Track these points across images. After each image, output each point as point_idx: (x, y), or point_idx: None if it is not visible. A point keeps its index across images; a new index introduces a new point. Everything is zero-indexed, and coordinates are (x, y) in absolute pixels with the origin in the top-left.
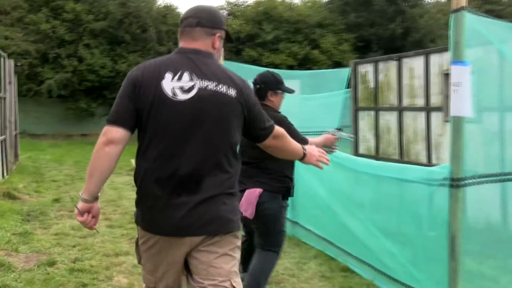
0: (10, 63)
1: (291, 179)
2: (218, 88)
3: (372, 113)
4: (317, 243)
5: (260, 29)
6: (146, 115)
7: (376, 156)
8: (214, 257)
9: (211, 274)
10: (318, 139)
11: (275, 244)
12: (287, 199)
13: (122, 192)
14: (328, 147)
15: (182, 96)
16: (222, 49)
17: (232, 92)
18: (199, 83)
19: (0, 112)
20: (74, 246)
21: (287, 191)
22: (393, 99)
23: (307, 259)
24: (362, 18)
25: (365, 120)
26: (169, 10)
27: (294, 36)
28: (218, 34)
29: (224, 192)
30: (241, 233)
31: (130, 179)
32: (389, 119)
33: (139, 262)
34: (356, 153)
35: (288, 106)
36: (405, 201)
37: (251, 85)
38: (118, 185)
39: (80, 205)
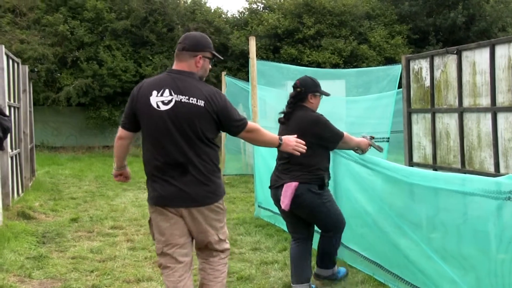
0: (24, 69)
1: (324, 171)
2: (189, 100)
3: (428, 115)
4: (365, 266)
5: (300, 23)
6: (141, 121)
7: (433, 166)
8: (204, 225)
9: (203, 236)
10: (356, 138)
11: (330, 226)
12: (324, 189)
13: (146, 210)
14: (362, 149)
15: (163, 107)
16: (209, 66)
17: (201, 102)
18: (176, 97)
19: (14, 123)
20: (92, 271)
21: (322, 181)
22: (452, 99)
23: (354, 284)
24: (417, 6)
25: (420, 124)
26: (197, 5)
27: (339, 30)
28: (199, 56)
29: (204, 175)
30: (220, 202)
31: None
32: (448, 122)
33: (153, 238)
34: (410, 162)
35: (333, 108)
36: (468, 217)
37: (287, 89)
38: (142, 202)
39: (114, 171)
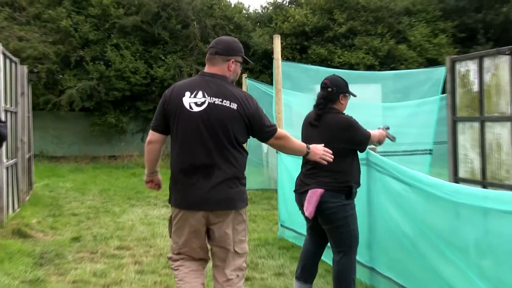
0: (23, 70)
1: (353, 179)
2: (223, 103)
3: (476, 124)
4: None
5: (331, 20)
6: (172, 122)
7: (482, 182)
8: (225, 229)
9: (221, 241)
10: (376, 132)
11: (344, 244)
12: (351, 199)
13: (156, 228)
14: (379, 141)
15: (196, 109)
16: (240, 70)
17: (234, 105)
18: (209, 99)
19: (11, 130)
20: None
21: (349, 190)
22: (504, 106)
23: None
24: (465, 0)
25: (467, 134)
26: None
27: (375, 27)
28: (232, 60)
29: (231, 179)
30: (244, 211)
31: (167, 211)
32: (499, 132)
33: (170, 236)
34: (455, 177)
35: (367, 116)
36: None
37: (317, 89)
38: (152, 219)
39: (145, 177)
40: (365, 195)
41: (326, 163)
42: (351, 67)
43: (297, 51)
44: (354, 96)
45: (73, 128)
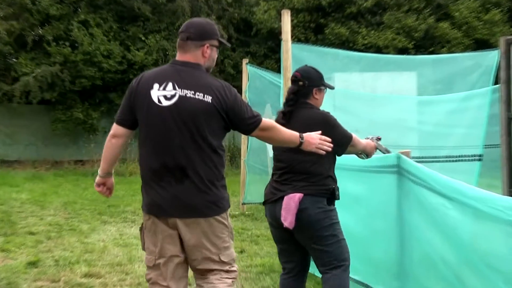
0: None
1: (334, 180)
2: (195, 96)
3: None
4: None
5: None
6: (139, 117)
7: None
8: (201, 237)
9: (194, 253)
10: (363, 141)
11: (336, 256)
12: (333, 204)
13: (134, 251)
14: (367, 153)
15: (165, 102)
16: (216, 55)
17: (208, 98)
18: (180, 92)
19: None
20: None
21: (331, 194)
22: None
23: None
24: None
25: None
26: None
27: (409, 1)
28: (206, 45)
29: (206, 182)
30: (226, 214)
31: None
32: None
33: (143, 248)
34: (511, 189)
35: (399, 112)
36: None
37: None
38: (129, 239)
39: (97, 179)
40: (395, 211)
41: (324, 152)
42: (379, 50)
43: (311, 31)
44: (331, 88)
45: (30, 126)
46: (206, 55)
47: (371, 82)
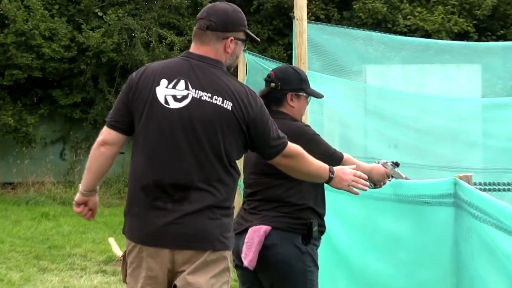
0: None
1: (317, 214)
2: (212, 100)
3: None
4: None
5: None
6: (138, 120)
7: None
8: (196, 278)
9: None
10: (367, 165)
11: None
12: (312, 243)
13: None
14: (373, 182)
15: (173, 105)
16: (241, 51)
17: (228, 104)
18: (193, 93)
19: None
20: None
21: (307, 230)
22: None
23: None
24: None
25: None
26: None
27: None
28: (231, 38)
29: (212, 208)
30: (230, 255)
31: (104, 280)
32: None
33: (124, 280)
34: None
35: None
36: None
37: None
38: None
39: (77, 197)
40: (450, 257)
41: (358, 192)
42: (427, 34)
43: (334, 6)
44: (318, 96)
45: None
46: (229, 50)
47: (417, 78)
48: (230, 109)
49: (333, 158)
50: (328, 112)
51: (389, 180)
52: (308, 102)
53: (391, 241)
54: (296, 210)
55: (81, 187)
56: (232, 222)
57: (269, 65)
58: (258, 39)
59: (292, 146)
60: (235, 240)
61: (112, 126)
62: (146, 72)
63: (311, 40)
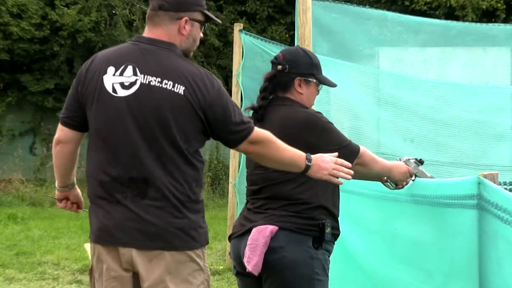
0: None
1: (331, 214)
2: (162, 85)
3: None
4: None
5: None
6: (89, 113)
7: None
8: (163, 275)
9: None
10: (387, 162)
11: None
12: (323, 248)
13: None
14: (395, 181)
15: (121, 93)
16: (199, 34)
17: (180, 88)
18: (141, 79)
19: None
20: None
21: (319, 232)
22: None
23: None
24: None
25: None
26: None
27: None
28: (185, 18)
29: (174, 202)
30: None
31: None
32: None
33: None
34: None
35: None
36: None
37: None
38: None
39: (56, 193)
40: (473, 262)
41: (341, 182)
42: (450, 13)
43: None
44: (331, 85)
45: None
46: (184, 32)
47: (437, 62)
48: (182, 93)
49: (349, 150)
50: (336, 101)
51: (412, 180)
52: (319, 91)
53: (410, 247)
54: (307, 209)
55: (56, 184)
56: (201, 218)
57: (269, 48)
58: (219, 21)
59: (260, 131)
60: (236, 242)
61: (64, 123)
62: (94, 62)
63: (317, 19)
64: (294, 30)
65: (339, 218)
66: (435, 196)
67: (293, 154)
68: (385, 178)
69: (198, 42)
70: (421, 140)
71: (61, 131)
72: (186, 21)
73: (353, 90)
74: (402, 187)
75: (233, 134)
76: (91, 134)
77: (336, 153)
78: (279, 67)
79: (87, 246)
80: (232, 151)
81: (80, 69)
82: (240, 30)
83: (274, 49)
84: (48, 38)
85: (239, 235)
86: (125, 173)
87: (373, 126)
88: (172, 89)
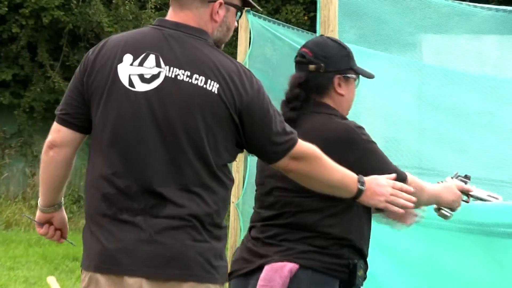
0: None
1: (360, 253)
2: (192, 80)
3: None
4: None
5: None
6: (96, 109)
7: None
8: None
9: None
10: (437, 186)
11: None
12: None
13: None
14: (451, 207)
15: (140, 87)
16: (234, 22)
17: (213, 86)
18: (166, 71)
19: None
20: None
21: (349, 274)
22: None
23: None
24: None
25: None
26: None
27: None
28: (220, 0)
29: (197, 222)
30: None
31: None
32: None
33: None
34: None
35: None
36: None
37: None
38: None
39: (38, 215)
40: None
41: (402, 211)
42: None
43: None
44: (370, 77)
45: None
46: (218, 18)
47: (495, 54)
48: (216, 91)
49: (392, 168)
50: (366, 102)
51: (466, 202)
52: (356, 87)
53: (458, 285)
54: (336, 245)
55: (39, 202)
56: (224, 248)
57: (283, 33)
58: (259, 8)
59: (305, 145)
60: (239, 284)
61: (62, 121)
62: (105, 47)
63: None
64: (315, 11)
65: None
66: (491, 224)
67: (344, 175)
68: (439, 206)
69: (232, 32)
70: (475, 152)
71: (57, 132)
72: (220, 4)
73: (387, 88)
74: (455, 210)
75: (273, 146)
76: (96, 136)
77: (394, 175)
78: (312, 66)
79: (51, 280)
80: (235, 166)
81: (86, 55)
82: (247, 11)
83: (289, 35)
84: (5, 17)
85: (245, 273)
86: (137, 184)
87: (413, 133)
88: (204, 86)
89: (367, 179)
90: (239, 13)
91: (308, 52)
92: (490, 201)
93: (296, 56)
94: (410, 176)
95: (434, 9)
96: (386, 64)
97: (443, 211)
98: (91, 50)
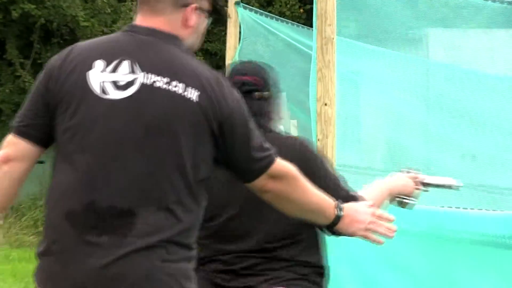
0: None
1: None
2: (170, 87)
3: None
4: None
5: None
6: (62, 120)
7: None
8: None
9: None
10: (382, 184)
11: None
12: None
13: None
14: (404, 196)
15: (114, 94)
16: (204, 25)
17: (192, 93)
18: (142, 78)
19: None
20: None
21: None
22: None
23: None
24: None
25: None
26: None
27: None
28: (194, 5)
29: (169, 243)
30: None
31: None
32: None
33: None
34: None
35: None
36: None
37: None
38: None
39: None
40: None
41: (382, 241)
42: None
43: None
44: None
45: None
46: (191, 23)
47: (507, 50)
48: (195, 100)
49: (346, 194)
50: (368, 101)
51: (426, 191)
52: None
53: None
54: (314, 274)
55: None
56: (191, 270)
57: (276, 27)
58: (224, 12)
59: (282, 163)
60: None
61: (21, 133)
62: (72, 53)
63: None
64: (311, 3)
65: (378, 264)
66: (503, 236)
67: (321, 198)
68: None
69: (202, 38)
70: (485, 158)
71: (13, 145)
72: (193, 8)
73: (391, 87)
74: (412, 206)
75: (251, 163)
76: (62, 147)
77: (372, 202)
78: (265, 94)
79: None
80: None
81: (49, 61)
82: (237, 3)
83: (283, 30)
84: None
85: None
86: (106, 200)
87: (420, 136)
88: (184, 93)
89: (345, 205)
90: (209, 20)
91: (251, 79)
92: (448, 186)
93: (237, 82)
94: (361, 193)
95: (441, 2)
96: (388, 60)
97: (404, 201)
98: (56, 57)
